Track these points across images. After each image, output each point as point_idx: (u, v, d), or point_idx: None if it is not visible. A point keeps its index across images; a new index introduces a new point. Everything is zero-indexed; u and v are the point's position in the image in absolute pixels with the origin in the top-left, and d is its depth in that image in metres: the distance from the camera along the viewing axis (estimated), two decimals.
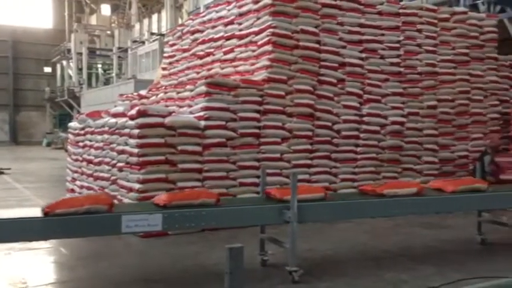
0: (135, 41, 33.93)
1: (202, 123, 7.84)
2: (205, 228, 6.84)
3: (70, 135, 11.08)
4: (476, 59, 10.63)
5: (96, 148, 9.10)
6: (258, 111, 8.35)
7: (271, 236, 5.68)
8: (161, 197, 4.96)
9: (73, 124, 11.02)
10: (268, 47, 8.60)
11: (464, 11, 10.92)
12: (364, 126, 9.41)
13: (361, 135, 9.38)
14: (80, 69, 39.67)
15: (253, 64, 8.91)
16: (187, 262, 6.04)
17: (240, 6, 9.51)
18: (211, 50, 10.26)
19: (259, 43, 8.86)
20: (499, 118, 10.86)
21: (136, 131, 7.49)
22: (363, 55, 9.46)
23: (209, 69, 10.07)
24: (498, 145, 9.52)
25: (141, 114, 7.53)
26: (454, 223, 8.11)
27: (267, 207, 5.07)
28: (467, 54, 10.52)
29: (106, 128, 8.71)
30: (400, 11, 9.91)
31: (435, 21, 10.23)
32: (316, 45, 8.96)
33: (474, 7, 12.67)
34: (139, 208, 5.03)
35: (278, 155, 8.52)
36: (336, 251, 6.48)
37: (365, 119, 9.42)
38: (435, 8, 10.48)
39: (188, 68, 11.00)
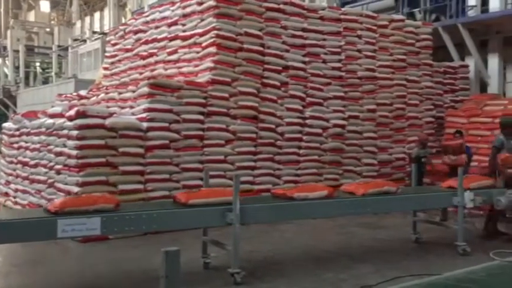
0: (76, 40, 32.83)
1: (145, 124, 7.72)
2: (147, 232, 6.71)
3: (4, 137, 10.58)
4: (412, 65, 11.10)
5: (32, 150, 8.75)
6: (201, 113, 8.32)
7: (213, 239, 5.67)
8: (54, 203, 4.65)
9: (7, 125, 10.54)
10: (213, 49, 8.59)
11: (401, 18, 11.37)
12: (307, 129, 9.59)
13: (304, 137, 9.55)
14: (16, 68, 37.92)
15: (197, 66, 8.88)
16: (129, 267, 5.91)
17: (184, 7, 9.45)
18: (155, 50, 10.12)
19: (203, 45, 8.83)
20: (433, 122, 11.38)
21: (75, 132, 7.26)
22: (306, 59, 9.65)
23: (152, 70, 9.93)
24: (425, 139, 9.98)
25: (80, 115, 7.31)
26: (391, 223, 8.39)
27: (210, 210, 5.05)
28: (404, 60, 10.96)
29: (43, 129, 8.39)
30: (342, 16, 10.19)
31: (374, 27, 10.59)
32: (260, 48, 9.04)
33: (411, 15, 13.21)
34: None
35: (222, 157, 8.52)
36: (277, 252, 6.55)
37: (308, 121, 9.60)
38: (374, 15, 10.85)
39: (131, 69, 10.79)
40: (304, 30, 9.65)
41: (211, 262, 5.73)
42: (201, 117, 8.30)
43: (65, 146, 7.54)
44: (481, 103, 10.62)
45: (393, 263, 5.89)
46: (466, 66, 12.30)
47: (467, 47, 12.06)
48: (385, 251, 6.62)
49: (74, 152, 7.23)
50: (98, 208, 4.60)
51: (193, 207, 4.95)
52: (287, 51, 9.39)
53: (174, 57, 9.55)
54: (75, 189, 7.14)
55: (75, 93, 12.09)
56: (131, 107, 8.30)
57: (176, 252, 2.30)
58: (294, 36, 9.50)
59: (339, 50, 10.08)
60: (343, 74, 10.12)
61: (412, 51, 11.13)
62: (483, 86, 12.54)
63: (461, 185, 6.34)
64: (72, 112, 7.43)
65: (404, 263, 5.89)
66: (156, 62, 10.00)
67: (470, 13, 12.60)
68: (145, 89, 7.94)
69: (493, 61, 12.26)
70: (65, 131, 7.52)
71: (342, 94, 10.09)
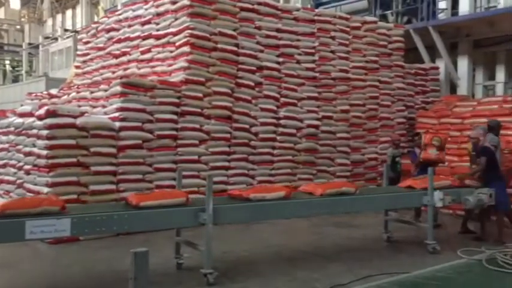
0: (47, 37, 32.23)
1: (117, 124, 7.62)
2: (119, 233, 6.64)
3: None
4: (384, 67, 11.25)
5: (1, 150, 8.56)
6: (175, 113, 8.26)
7: (186, 239, 5.64)
8: None
9: None
10: (186, 48, 8.54)
11: (374, 20, 11.52)
12: (281, 129, 9.63)
13: (278, 137, 9.58)
14: None
15: (170, 65, 8.81)
16: (100, 268, 5.82)
17: (158, 6, 9.36)
18: (128, 49, 10.00)
19: (177, 44, 8.77)
20: (405, 123, 11.56)
21: (45, 132, 7.11)
22: (280, 59, 9.68)
23: (125, 69, 9.81)
24: (398, 140, 10.16)
25: (50, 114, 7.16)
26: (364, 222, 8.49)
27: (182, 210, 5.02)
28: (376, 61, 11.11)
29: (12, 129, 8.21)
30: (315, 17, 10.26)
31: (348, 29, 10.70)
32: (235, 48, 9.03)
33: (384, 17, 13.42)
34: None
35: (196, 157, 8.48)
36: (251, 252, 6.55)
37: (282, 121, 9.63)
38: (348, 16, 10.96)
39: (103, 67, 10.64)
40: (278, 30, 9.68)
41: (184, 263, 5.70)
42: (174, 117, 8.24)
43: (34, 146, 7.38)
44: (451, 104, 10.83)
45: (365, 262, 5.97)
46: (437, 68, 12.55)
47: (437, 49, 12.31)
48: (358, 250, 6.69)
49: (44, 152, 7.09)
50: (41, 211, 4.36)
51: (145, 209, 4.81)
52: (261, 51, 9.41)
53: (147, 56, 9.45)
54: (45, 189, 7.00)
55: (45, 92, 11.85)
56: (103, 106, 8.19)
57: (145, 254, 2.26)
58: (268, 36, 9.52)
59: (312, 50, 10.15)
60: (317, 74, 10.19)
61: (385, 53, 11.29)
62: (453, 88, 12.83)
63: (432, 184, 6.46)
64: (42, 111, 7.28)
65: (376, 262, 5.96)
66: (129, 61, 9.88)
67: (441, 16, 12.87)
68: (118, 88, 7.83)
69: (463, 63, 12.55)
70: (35, 131, 7.37)
71: (315, 95, 10.16)
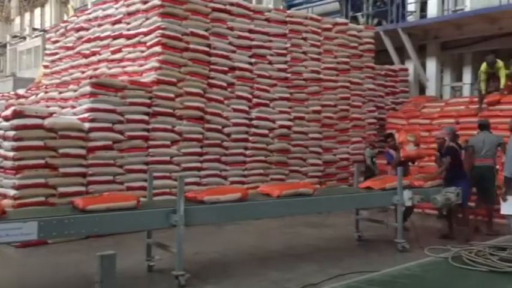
0: (15, 36, 31.49)
1: (87, 125, 7.50)
2: (89, 235, 6.53)
3: None
4: (355, 68, 11.39)
5: None
6: (146, 114, 8.18)
7: (158, 241, 5.58)
8: None
9: None
10: (158, 48, 8.47)
11: (345, 22, 11.64)
12: (253, 130, 9.64)
13: (251, 138, 9.59)
14: None
15: (141, 65, 8.72)
16: (68, 272, 5.71)
17: (128, 6, 9.25)
18: (98, 49, 9.85)
19: (148, 44, 8.69)
20: (375, 123, 11.73)
21: (11, 133, 6.94)
22: (252, 60, 9.69)
23: (95, 69, 9.66)
24: (373, 140, 10.31)
25: (17, 115, 6.99)
26: (335, 221, 8.59)
27: (153, 212, 4.97)
28: (347, 62, 11.23)
29: None
30: (287, 19, 10.30)
31: (319, 30, 10.79)
32: (207, 49, 9.00)
33: (354, 19, 13.58)
34: None
35: (168, 158, 8.42)
36: (223, 253, 6.54)
37: (254, 122, 9.65)
38: (319, 18, 11.06)
39: (72, 67, 10.46)
40: (250, 31, 9.69)
41: (155, 265, 5.65)
42: (145, 117, 8.16)
43: (0, 147, 7.19)
44: (420, 105, 11.05)
45: (336, 261, 6.03)
46: (406, 69, 12.76)
47: (407, 51, 12.52)
48: (329, 249, 6.76)
49: (11, 154, 6.92)
50: None
51: (91, 213, 4.64)
52: (233, 52, 9.40)
53: (118, 56, 9.33)
54: (12, 192, 6.83)
55: (13, 92, 11.58)
56: (72, 107, 8.04)
57: (111, 256, 2.23)
58: (240, 37, 9.52)
59: (284, 51, 10.19)
60: (289, 75, 10.24)
61: (355, 54, 11.43)
62: (422, 89, 13.06)
63: (401, 184, 6.57)
64: (8, 112, 7.10)
65: (347, 261, 6.03)
66: (99, 61, 9.74)
67: (410, 18, 13.12)
68: (87, 88, 7.70)
69: (431, 65, 12.79)
70: (1, 132, 7.18)
71: (287, 95, 10.21)
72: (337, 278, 5.20)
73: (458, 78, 13.17)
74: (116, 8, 9.57)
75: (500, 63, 9.49)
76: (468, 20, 11.65)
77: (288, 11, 11.04)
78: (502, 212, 6.24)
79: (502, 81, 9.48)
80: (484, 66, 9.56)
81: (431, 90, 12.67)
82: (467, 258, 2.89)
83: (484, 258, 2.86)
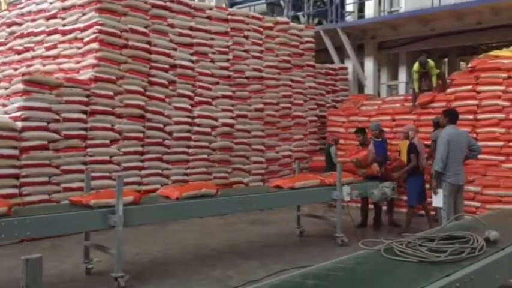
0: None
1: (19, 124, 7.18)
2: (24, 239, 6.26)
3: None
4: (297, 66, 11.57)
5: None
6: (84, 112, 7.94)
7: (96, 243, 5.44)
8: None
9: None
10: (95, 45, 8.23)
11: (286, 21, 11.78)
12: (196, 128, 9.58)
13: (193, 136, 9.53)
14: None
15: (78, 62, 8.45)
16: (1, 278, 5.45)
17: (64, 0, 8.92)
18: (31, 45, 9.43)
19: (85, 40, 8.42)
20: (316, 121, 11.97)
21: None
22: (194, 58, 9.62)
23: (29, 66, 9.25)
24: (338, 138, 10.46)
25: None
26: (278, 218, 8.70)
27: (90, 213, 4.83)
28: (289, 61, 11.38)
29: None
30: (229, 17, 10.30)
31: (261, 29, 10.86)
32: (147, 46, 8.84)
33: (296, 18, 13.79)
34: None
35: (107, 158, 8.21)
36: (165, 252, 6.47)
37: (196, 120, 9.59)
38: (260, 16, 11.12)
39: (4, 64, 9.95)
40: (191, 29, 9.61)
41: (93, 267, 5.50)
42: (83, 116, 7.92)
43: None
44: (359, 103, 11.38)
45: (279, 257, 6.12)
46: (345, 68, 13.12)
47: (346, 50, 12.87)
48: (272, 246, 6.84)
49: None
50: None
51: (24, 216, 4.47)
52: (174, 49, 9.29)
53: (53, 52, 8.98)
54: None
55: None
56: (4, 106, 7.67)
57: (37, 260, 2.15)
58: (181, 34, 9.41)
59: (226, 49, 10.18)
60: (231, 73, 10.24)
61: (296, 53, 11.60)
62: (361, 87, 13.49)
63: (340, 180, 6.75)
64: None
65: (289, 256, 6.14)
66: (33, 57, 9.32)
67: (348, 19, 13.49)
68: (20, 86, 7.37)
69: (369, 64, 13.23)
70: None
71: (230, 93, 10.21)
72: (278, 273, 5.27)
73: (394, 77, 13.71)
74: (51, 3, 9.19)
75: (431, 63, 9.95)
76: (403, 21, 12.13)
77: (230, 9, 11.03)
78: (434, 204, 6.57)
79: (434, 80, 9.96)
80: (416, 65, 9.99)
81: (369, 89, 13.10)
82: (398, 249, 3.01)
83: (414, 249, 2.99)
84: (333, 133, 10.99)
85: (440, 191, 6.14)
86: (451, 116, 6.39)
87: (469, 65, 9.70)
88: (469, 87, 9.29)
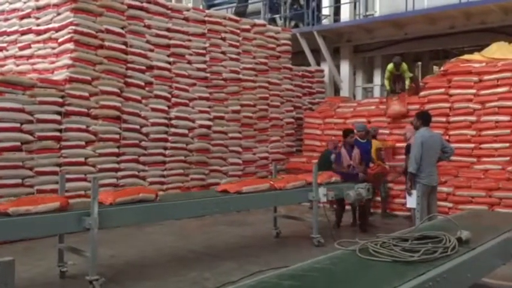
0: None
1: None
2: None
3: None
4: (273, 68, 11.63)
5: None
6: (58, 113, 7.83)
7: (70, 245, 5.37)
8: None
9: None
10: (70, 45, 8.12)
11: (263, 23, 11.83)
12: (173, 129, 9.54)
13: (170, 138, 9.49)
14: None
15: (53, 62, 8.33)
16: None
17: (38, 0, 8.77)
18: (4, 44, 9.25)
19: (59, 40, 8.30)
20: (293, 122, 12.04)
21: None
22: (171, 59, 9.58)
23: (2, 66, 9.06)
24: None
25: None
26: (255, 219, 8.72)
27: (64, 215, 4.75)
28: (266, 63, 11.44)
29: None
30: (206, 18, 10.29)
31: (238, 31, 10.88)
32: (123, 47, 8.77)
33: (273, 21, 13.86)
34: None
35: (82, 159, 8.11)
36: (141, 255, 6.42)
37: (173, 122, 9.55)
38: (237, 18, 11.16)
39: None
40: (168, 30, 9.57)
41: (68, 271, 5.43)
42: (57, 117, 7.81)
43: None
44: (335, 105, 11.50)
45: (255, 258, 6.13)
46: (322, 70, 13.24)
47: (322, 53, 12.99)
48: (248, 247, 6.86)
49: None
50: None
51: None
52: (151, 50, 9.24)
53: (26, 52, 8.82)
54: None
55: None
56: None
57: (9, 263, 2.10)
58: (158, 35, 9.37)
59: (203, 51, 10.17)
60: (208, 75, 10.24)
61: (273, 55, 11.66)
62: (337, 89, 13.63)
63: (316, 181, 6.81)
64: None
65: (266, 258, 6.16)
66: (6, 57, 9.14)
67: (324, 22, 13.62)
68: None
69: (345, 67, 13.39)
70: None
71: (207, 95, 10.20)
72: (255, 274, 5.29)
73: (370, 79, 13.89)
74: (24, 2, 9.03)
75: (404, 66, 10.15)
76: (377, 24, 12.32)
77: (207, 11, 11.02)
78: (408, 205, 6.69)
79: (407, 82, 10.15)
80: (390, 66, 10.19)
81: (345, 91, 13.25)
82: (373, 249, 3.06)
83: (388, 249, 3.05)
84: (309, 136, 11.06)
85: (414, 192, 6.26)
86: (424, 118, 6.52)
87: (442, 69, 9.92)
88: (442, 90, 9.49)
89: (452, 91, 9.36)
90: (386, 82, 10.31)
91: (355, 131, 8.37)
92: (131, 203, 5.23)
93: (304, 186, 6.89)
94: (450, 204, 8.38)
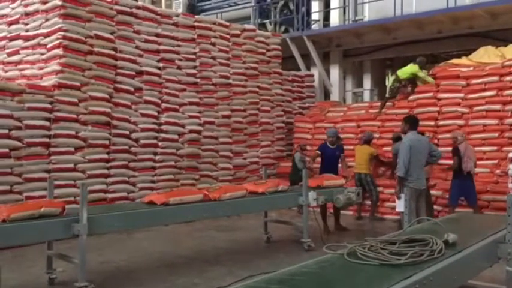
0: None
1: None
2: None
3: None
4: (264, 73, 11.66)
5: None
6: (47, 119, 7.79)
7: (59, 252, 5.34)
8: None
9: None
10: (59, 51, 8.09)
11: (253, 28, 11.87)
12: (163, 135, 9.53)
13: (160, 143, 9.47)
14: None
15: (41, 68, 8.29)
16: None
17: (26, 5, 8.73)
18: None
19: (48, 46, 8.28)
20: (283, 127, 12.08)
21: None
22: (161, 64, 9.58)
23: None
24: (304, 144, 10.48)
25: None
26: (245, 224, 8.72)
27: (53, 222, 4.72)
28: (256, 68, 11.47)
29: None
30: (195, 24, 10.31)
31: (228, 36, 10.91)
32: (112, 52, 8.76)
33: (263, 26, 13.92)
34: None
35: (71, 166, 8.07)
36: (131, 261, 6.39)
37: (163, 127, 9.54)
38: (227, 23, 11.17)
39: None
40: (158, 35, 9.57)
41: (57, 277, 5.39)
42: (46, 123, 7.77)
43: None
44: (325, 109, 11.56)
45: (245, 263, 6.12)
46: (312, 75, 13.31)
47: (312, 57, 13.06)
48: (238, 252, 6.85)
49: None
50: None
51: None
52: (141, 56, 9.23)
53: (15, 58, 8.78)
54: None
55: None
56: None
57: None
58: (147, 41, 9.36)
59: (193, 56, 10.18)
60: (198, 80, 10.24)
61: (263, 60, 11.70)
62: (326, 94, 13.70)
63: (306, 185, 6.82)
64: None
65: (256, 262, 6.15)
66: None
67: (314, 27, 13.69)
68: None
69: (334, 71, 13.46)
70: None
71: (197, 100, 10.20)
72: (245, 279, 5.28)
73: (359, 84, 13.98)
74: (13, 8, 8.99)
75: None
76: (366, 29, 12.41)
77: (196, 16, 11.02)
78: (397, 209, 6.72)
79: (419, 84, 10.03)
80: (415, 67, 9.80)
81: (335, 96, 13.32)
82: (360, 253, 3.07)
83: (376, 252, 3.06)
84: (299, 140, 11.10)
85: (402, 195, 6.29)
86: (412, 122, 6.57)
87: (430, 73, 10.00)
88: (430, 94, 9.58)
89: (440, 95, 9.45)
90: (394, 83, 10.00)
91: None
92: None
93: (244, 196, 6.28)
94: (439, 208, 8.44)
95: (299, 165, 9.61)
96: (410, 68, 9.97)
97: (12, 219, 4.43)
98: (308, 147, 10.75)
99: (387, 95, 10.40)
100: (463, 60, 9.84)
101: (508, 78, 8.73)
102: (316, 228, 7.25)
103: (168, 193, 5.80)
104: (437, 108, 9.41)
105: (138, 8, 9.29)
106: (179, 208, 5.63)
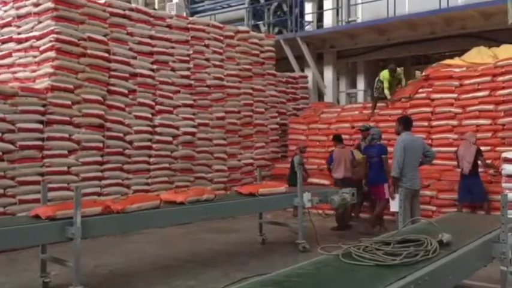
0: None
1: None
2: None
3: None
4: (257, 75, 11.66)
5: None
6: (40, 122, 7.75)
7: (54, 256, 5.31)
8: None
9: None
10: (52, 54, 8.06)
11: (246, 30, 11.88)
12: (157, 137, 9.50)
13: (154, 145, 9.44)
14: None
15: (34, 71, 8.26)
16: None
17: (19, 8, 8.70)
18: None
19: (41, 49, 8.24)
20: (278, 128, 12.08)
21: None
22: (154, 66, 9.56)
23: None
24: (304, 147, 10.47)
25: None
26: (241, 226, 8.70)
27: (47, 225, 4.70)
28: (250, 70, 11.47)
29: None
30: (189, 25, 10.30)
31: (221, 37, 10.91)
32: (105, 54, 8.73)
33: (256, 27, 13.92)
34: None
35: (65, 168, 8.03)
36: (126, 264, 6.36)
37: (157, 129, 9.52)
38: (221, 25, 11.17)
39: None
40: (151, 37, 9.55)
41: (51, 281, 5.35)
42: (40, 126, 7.73)
43: None
44: (319, 111, 11.58)
45: (241, 265, 6.12)
46: (306, 76, 13.31)
47: (306, 59, 13.07)
48: (234, 254, 6.84)
49: None
50: None
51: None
52: (134, 58, 9.21)
53: (7, 61, 8.74)
54: None
55: None
56: None
57: None
58: (141, 43, 9.34)
59: (187, 58, 10.17)
60: (192, 82, 10.23)
61: (257, 62, 11.69)
62: (320, 95, 13.71)
63: (301, 186, 6.83)
64: None
65: (251, 264, 6.15)
66: None
67: (308, 28, 13.70)
68: None
69: (328, 72, 13.48)
70: None
71: (191, 102, 10.19)
72: (240, 281, 5.27)
73: (353, 85, 14.00)
74: (5, 11, 8.96)
75: (399, 71, 10.19)
76: (360, 30, 12.44)
77: (190, 18, 11.02)
78: (391, 209, 6.74)
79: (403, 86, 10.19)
80: (386, 73, 10.09)
81: (329, 97, 13.33)
82: (355, 254, 3.08)
83: (371, 253, 3.07)
84: (294, 141, 11.10)
85: (397, 196, 6.31)
86: (405, 123, 6.60)
87: (423, 74, 10.04)
88: (424, 95, 9.61)
89: (434, 96, 9.49)
90: (387, 92, 10.11)
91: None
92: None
93: (158, 207, 5.56)
94: (434, 208, 8.47)
95: (296, 168, 9.58)
96: (383, 73, 10.22)
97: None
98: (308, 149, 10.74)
99: (375, 95, 10.46)
100: (456, 61, 9.89)
101: (500, 78, 8.78)
102: (311, 229, 7.25)
103: (58, 205, 5.12)
104: (430, 109, 9.45)
105: (132, 10, 9.28)
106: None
